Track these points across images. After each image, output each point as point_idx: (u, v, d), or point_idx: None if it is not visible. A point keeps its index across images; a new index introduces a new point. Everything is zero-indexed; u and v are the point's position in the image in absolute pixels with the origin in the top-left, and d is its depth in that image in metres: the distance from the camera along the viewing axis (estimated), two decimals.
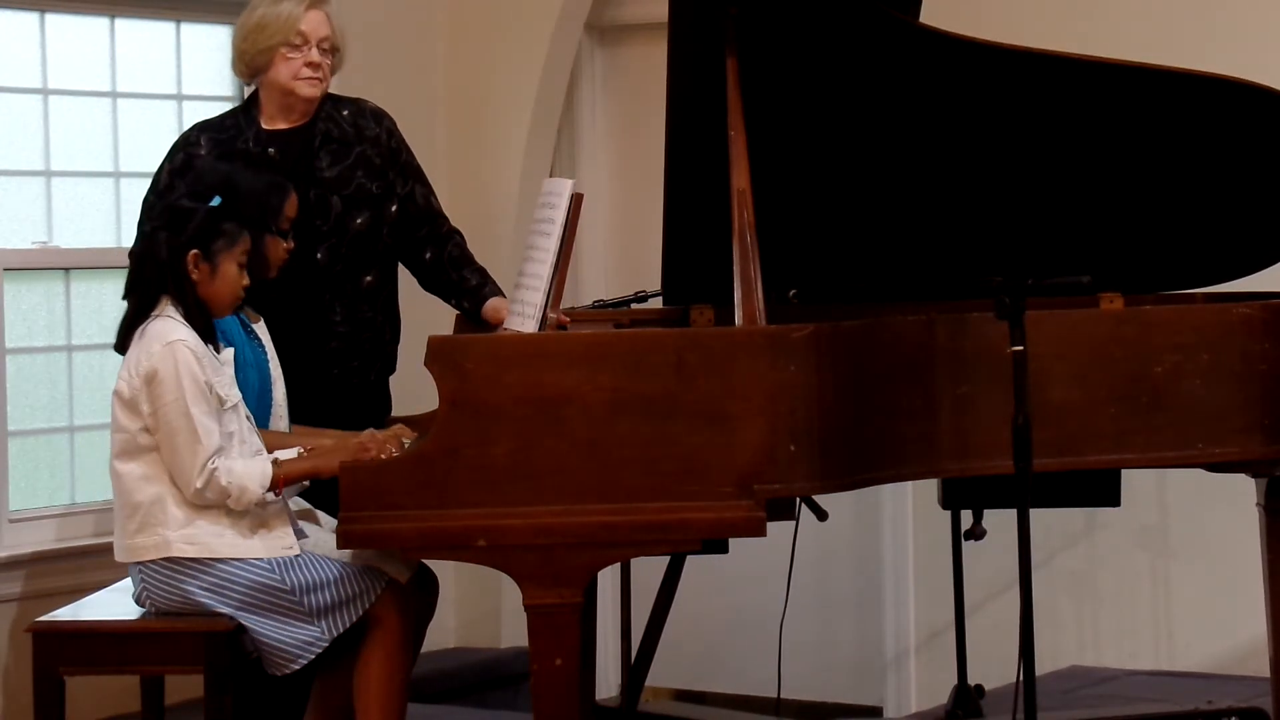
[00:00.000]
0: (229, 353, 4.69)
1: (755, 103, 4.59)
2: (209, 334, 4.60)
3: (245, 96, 5.47)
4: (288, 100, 5.23)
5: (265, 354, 4.93)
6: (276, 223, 4.86)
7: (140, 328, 4.57)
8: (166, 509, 4.52)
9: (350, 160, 5.24)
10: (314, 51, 5.19)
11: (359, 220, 5.22)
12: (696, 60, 4.74)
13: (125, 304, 4.67)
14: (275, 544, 4.56)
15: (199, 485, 4.46)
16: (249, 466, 4.52)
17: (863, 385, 4.39)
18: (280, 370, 4.95)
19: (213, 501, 4.49)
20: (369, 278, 5.25)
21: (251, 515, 4.55)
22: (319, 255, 5.18)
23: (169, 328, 4.54)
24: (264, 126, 5.25)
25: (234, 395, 4.60)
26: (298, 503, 4.81)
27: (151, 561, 4.54)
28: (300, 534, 4.66)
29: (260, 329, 4.97)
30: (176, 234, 4.59)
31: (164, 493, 4.52)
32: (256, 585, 4.52)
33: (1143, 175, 5.07)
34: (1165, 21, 6.40)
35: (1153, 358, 4.68)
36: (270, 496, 4.54)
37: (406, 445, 4.70)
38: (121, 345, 4.62)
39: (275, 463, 4.55)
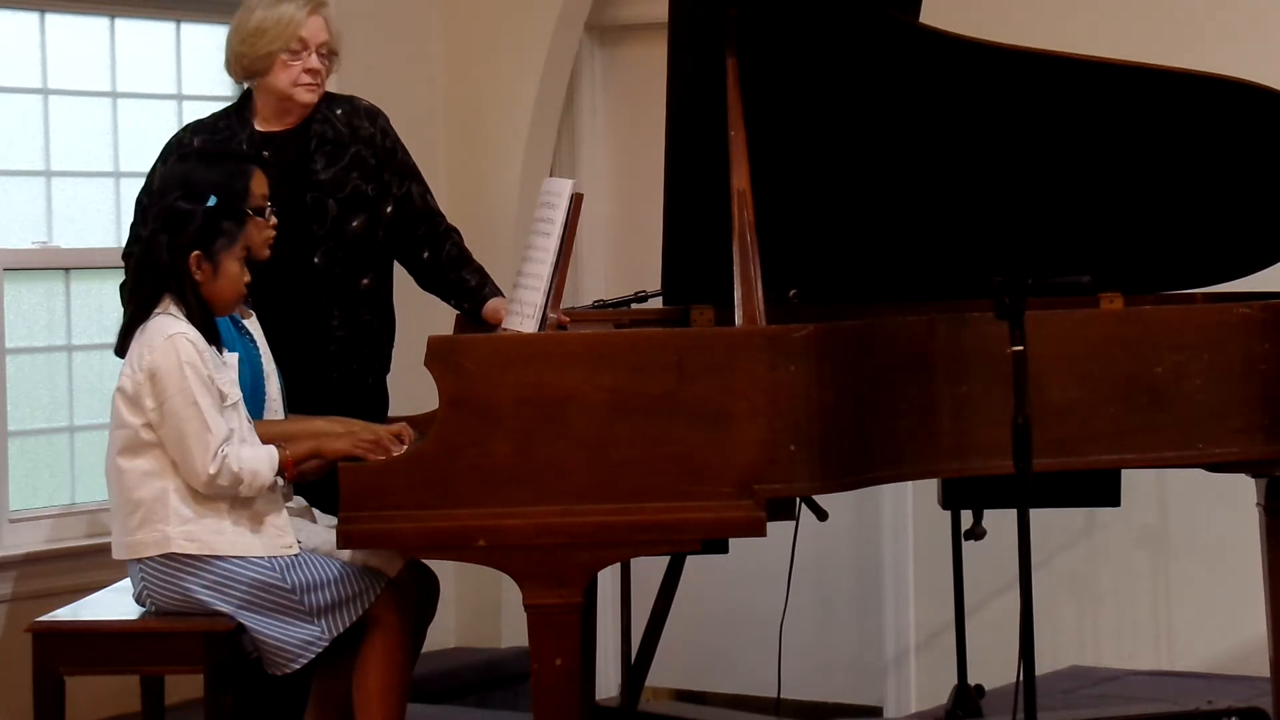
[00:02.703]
0: (233, 357, 4.68)
1: (755, 103, 4.59)
2: (212, 335, 4.60)
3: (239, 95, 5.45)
4: (284, 104, 5.20)
5: (256, 349, 4.90)
6: (246, 205, 4.73)
7: (140, 327, 4.57)
8: (169, 505, 4.51)
9: (345, 162, 5.21)
10: (313, 58, 5.15)
11: (355, 223, 5.20)
12: (696, 60, 4.74)
13: (125, 307, 4.67)
14: (275, 543, 4.55)
15: (212, 472, 4.45)
16: (257, 452, 4.53)
17: (863, 385, 4.39)
18: (274, 365, 4.92)
19: (225, 490, 4.48)
20: (366, 280, 5.24)
21: (252, 514, 4.55)
22: (316, 260, 5.17)
23: (168, 323, 4.54)
24: (258, 128, 5.22)
25: (235, 394, 4.60)
26: (297, 501, 4.81)
27: (151, 559, 4.54)
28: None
29: (252, 324, 4.93)
30: (176, 236, 4.59)
31: (167, 488, 4.51)
32: (257, 584, 4.52)
33: (1143, 175, 5.07)
34: (1165, 21, 6.40)
35: (1153, 358, 4.68)
36: (280, 481, 4.54)
37: (407, 445, 4.71)
38: (121, 349, 4.62)
39: (281, 446, 4.56)
